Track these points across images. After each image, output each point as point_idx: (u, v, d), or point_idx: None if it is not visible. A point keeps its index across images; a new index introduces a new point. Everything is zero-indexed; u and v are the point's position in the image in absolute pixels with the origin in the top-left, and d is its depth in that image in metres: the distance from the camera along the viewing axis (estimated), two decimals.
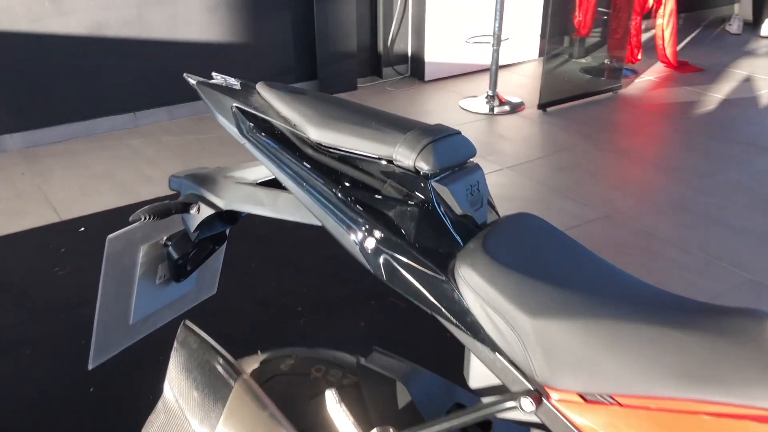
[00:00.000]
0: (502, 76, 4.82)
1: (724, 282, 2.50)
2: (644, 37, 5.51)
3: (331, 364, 1.09)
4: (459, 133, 0.95)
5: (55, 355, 2.11)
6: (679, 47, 5.40)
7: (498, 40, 4.19)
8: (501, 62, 4.41)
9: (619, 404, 0.75)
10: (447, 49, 4.77)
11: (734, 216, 2.98)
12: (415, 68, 4.85)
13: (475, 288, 0.82)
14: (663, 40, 5.00)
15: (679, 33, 5.62)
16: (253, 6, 4.11)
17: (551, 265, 0.86)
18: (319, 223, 0.93)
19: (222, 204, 1.04)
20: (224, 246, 1.24)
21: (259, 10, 4.14)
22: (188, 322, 0.92)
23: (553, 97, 4.27)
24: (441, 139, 0.90)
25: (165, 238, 1.12)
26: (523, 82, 4.85)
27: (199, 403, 0.91)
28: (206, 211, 1.05)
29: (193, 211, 1.05)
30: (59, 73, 3.65)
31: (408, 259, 0.86)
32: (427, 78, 4.77)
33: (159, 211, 0.99)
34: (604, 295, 0.82)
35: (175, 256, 1.10)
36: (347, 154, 0.91)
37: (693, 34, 6.13)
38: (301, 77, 4.47)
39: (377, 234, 0.87)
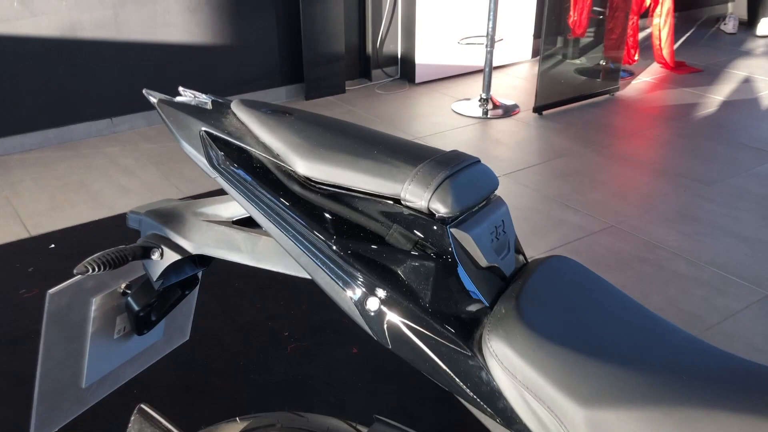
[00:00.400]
0: (495, 77, 4.66)
1: (739, 299, 2.34)
2: (639, 36, 5.36)
3: None
4: (479, 161, 0.78)
5: (11, 393, 1.92)
6: (674, 47, 5.26)
7: (492, 40, 4.02)
8: (494, 64, 4.24)
9: None
10: (438, 50, 4.60)
11: (745, 226, 2.83)
12: (405, 70, 4.67)
13: (510, 368, 0.64)
14: (660, 40, 4.86)
15: (674, 33, 5.49)
16: (237, 6, 3.92)
17: (600, 330, 0.69)
18: (309, 276, 0.75)
19: (190, 248, 0.86)
20: (196, 289, 1.06)
21: (242, 11, 3.95)
22: (144, 406, 0.75)
23: (549, 100, 4.11)
24: (460, 172, 0.73)
25: (123, 285, 0.93)
26: (516, 84, 4.69)
27: None
28: (171, 257, 0.87)
29: (155, 256, 0.87)
30: (31, 77, 3.45)
31: (421, 326, 0.68)
32: (417, 80, 4.60)
33: (111, 260, 0.81)
34: (671, 368, 0.65)
35: (136, 307, 0.92)
36: (343, 192, 0.74)
37: (687, 34, 6.00)
38: (286, 80, 4.28)
39: (381, 293, 0.70)
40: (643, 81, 4.73)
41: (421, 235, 0.70)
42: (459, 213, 0.70)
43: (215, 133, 0.80)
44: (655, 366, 0.65)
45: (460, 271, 0.70)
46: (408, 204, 0.71)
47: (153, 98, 0.88)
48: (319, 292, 2.33)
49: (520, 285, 0.72)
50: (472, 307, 0.69)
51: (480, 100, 4.16)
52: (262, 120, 0.79)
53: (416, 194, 0.70)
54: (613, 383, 0.62)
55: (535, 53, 5.09)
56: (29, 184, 3.19)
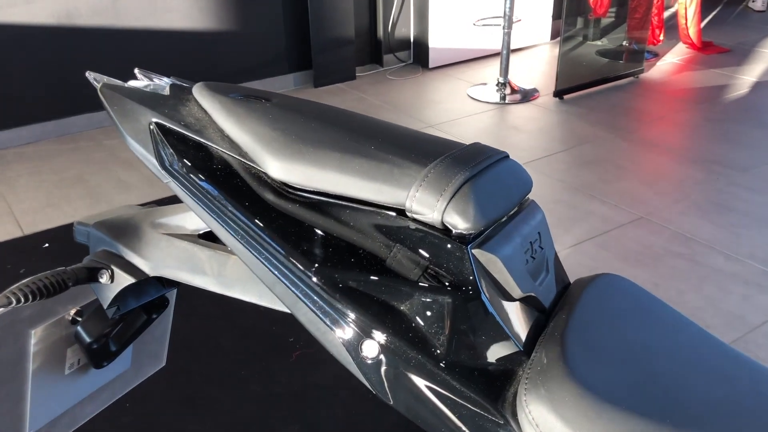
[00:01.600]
0: (513, 61, 4.45)
1: None
2: (664, 15, 5.12)
3: None
4: (507, 156, 0.61)
5: None
6: (701, 26, 5.02)
7: (509, 21, 3.82)
8: (511, 46, 4.03)
9: None
10: (453, 32, 4.40)
11: None
12: (418, 54, 4.48)
13: None
14: (686, 19, 4.62)
15: (701, 11, 5.24)
16: None
17: (672, 379, 0.51)
18: (287, 310, 0.58)
19: (147, 268, 0.69)
20: (170, 309, 0.89)
21: None
22: None
23: (570, 83, 3.90)
24: (483, 173, 0.55)
25: (72, 312, 0.77)
26: (535, 67, 4.48)
27: None
28: (123, 280, 0.70)
29: (104, 279, 0.70)
30: (26, 67, 3.30)
31: (434, 381, 0.51)
32: (431, 65, 4.41)
33: (44, 288, 0.65)
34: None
35: (88, 338, 0.75)
36: (329, 201, 0.56)
37: (714, 12, 5.74)
38: (294, 67, 4.10)
39: (380, 336, 0.53)
40: (669, 62, 4.50)
41: (433, 258, 0.53)
42: (483, 228, 0.53)
43: (168, 125, 0.63)
44: (749, 428, 0.47)
45: (486, 305, 0.52)
46: (416, 216, 0.54)
47: (96, 83, 0.71)
48: None
49: (565, 321, 0.55)
50: (503, 354, 0.52)
51: (497, 85, 3.96)
52: (229, 108, 0.62)
53: (426, 204, 0.53)
54: None
55: (554, 35, 4.87)
56: (25, 180, 3.05)
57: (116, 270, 0.70)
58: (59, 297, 0.75)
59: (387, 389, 0.54)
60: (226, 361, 1.92)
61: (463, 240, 0.53)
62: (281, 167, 0.57)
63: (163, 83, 0.71)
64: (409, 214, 0.54)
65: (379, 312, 0.53)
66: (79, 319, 0.77)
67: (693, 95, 3.93)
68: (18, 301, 0.63)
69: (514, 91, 3.93)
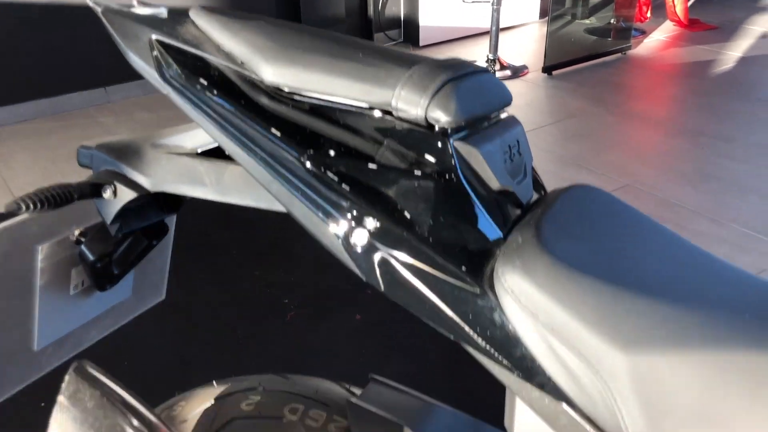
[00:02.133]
0: (502, 39, 4.48)
1: (766, 257, 2.21)
2: None
3: (311, 401, 0.79)
4: (488, 71, 0.65)
5: None
6: (688, 4, 5.07)
7: None
8: (501, 25, 4.07)
9: None
10: (443, 11, 4.43)
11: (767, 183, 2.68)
12: (408, 33, 4.51)
13: (529, 305, 0.52)
14: None
15: None
16: None
17: (641, 262, 0.56)
18: (283, 209, 0.62)
19: (148, 184, 0.73)
20: (170, 238, 0.93)
21: None
22: (85, 363, 0.63)
23: (559, 60, 3.94)
24: (464, 78, 0.59)
25: (77, 233, 0.81)
26: (523, 44, 4.52)
27: None
28: (126, 195, 0.74)
29: (107, 194, 0.74)
30: (21, 45, 3.31)
31: (419, 261, 0.56)
32: (421, 43, 4.44)
33: (51, 197, 0.69)
34: (729, 306, 0.52)
35: (91, 257, 0.79)
36: (319, 103, 0.61)
37: None
38: None
39: (370, 224, 0.57)
40: (656, 39, 4.55)
41: (418, 152, 0.57)
42: (464, 123, 0.57)
43: (168, 41, 0.67)
44: (711, 303, 0.52)
45: (466, 193, 0.57)
46: (401, 115, 0.58)
47: (98, 7, 0.75)
48: (321, 255, 2.21)
49: (540, 213, 0.59)
50: (482, 236, 0.57)
51: (487, 61, 3.99)
52: (225, 24, 0.66)
53: (411, 101, 0.57)
54: (661, 323, 0.49)
55: (543, 14, 4.91)
56: (21, 156, 3.08)
57: (119, 186, 0.74)
58: (64, 216, 0.79)
59: (378, 275, 0.58)
60: (223, 325, 1.96)
61: (445, 134, 0.57)
62: (275, 72, 0.61)
63: (161, 9, 0.75)
64: (394, 112, 0.58)
65: (368, 201, 0.57)
66: (83, 239, 0.81)
67: (680, 70, 3.98)
68: (27, 207, 0.67)
69: (503, 67, 3.97)
